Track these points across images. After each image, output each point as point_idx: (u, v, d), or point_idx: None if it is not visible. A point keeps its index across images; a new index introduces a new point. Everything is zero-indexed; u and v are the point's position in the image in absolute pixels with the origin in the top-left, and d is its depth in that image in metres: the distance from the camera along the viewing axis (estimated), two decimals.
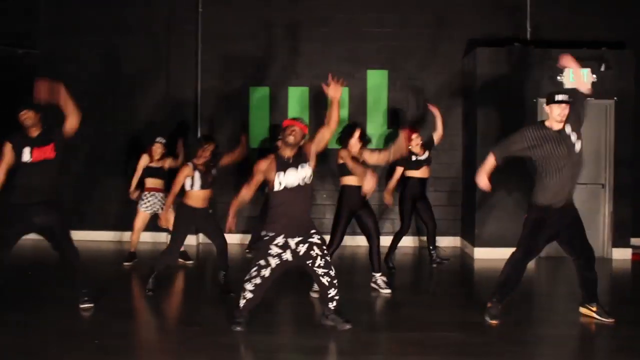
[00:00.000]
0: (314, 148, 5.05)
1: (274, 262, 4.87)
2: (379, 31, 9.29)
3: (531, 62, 8.30)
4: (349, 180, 6.24)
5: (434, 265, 7.81)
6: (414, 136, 7.54)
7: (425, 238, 8.26)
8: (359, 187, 6.09)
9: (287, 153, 5.01)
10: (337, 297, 5.04)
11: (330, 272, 4.99)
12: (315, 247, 4.95)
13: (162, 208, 7.72)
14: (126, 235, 8.92)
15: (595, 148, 8.37)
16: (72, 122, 5.42)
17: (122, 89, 9.42)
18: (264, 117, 9.36)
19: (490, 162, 5.42)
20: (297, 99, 9.33)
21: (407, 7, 9.29)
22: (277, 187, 4.94)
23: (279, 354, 4.67)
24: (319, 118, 9.11)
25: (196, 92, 9.37)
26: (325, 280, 4.98)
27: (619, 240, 8.31)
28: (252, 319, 5.10)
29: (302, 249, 4.93)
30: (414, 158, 7.59)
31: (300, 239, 4.93)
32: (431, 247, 7.89)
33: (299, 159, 4.99)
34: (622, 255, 8.28)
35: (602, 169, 8.40)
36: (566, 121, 5.18)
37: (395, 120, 9.26)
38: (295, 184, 4.93)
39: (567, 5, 9.14)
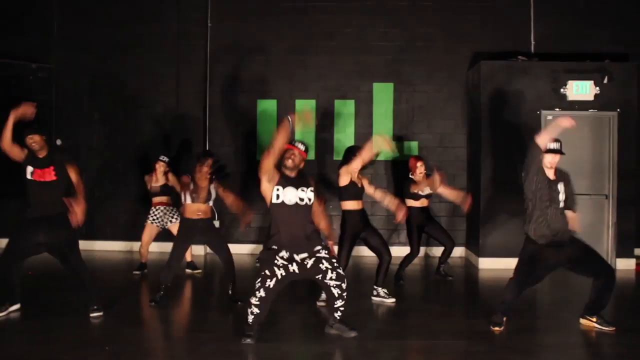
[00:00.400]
0: (316, 193, 5.19)
1: (279, 272, 4.88)
2: (385, 45, 9.45)
3: (535, 74, 8.42)
4: (349, 205, 6.32)
5: (437, 275, 7.88)
6: (418, 164, 7.41)
7: (434, 249, 8.35)
8: (360, 211, 6.31)
9: (289, 173, 5.13)
10: (342, 308, 5.12)
11: (342, 285, 5.03)
12: (324, 261, 5.00)
13: (170, 221, 7.89)
14: (135, 245, 9.10)
15: (599, 159, 8.47)
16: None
17: (132, 103, 9.60)
18: (271, 129, 9.49)
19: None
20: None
21: (412, 22, 9.45)
22: (274, 199, 5.04)
23: None
24: (325, 130, 9.28)
25: (204, 105, 9.54)
26: (336, 292, 5.04)
27: (623, 250, 8.37)
28: (260, 327, 5.23)
29: (310, 262, 4.98)
30: (414, 190, 7.47)
31: (305, 255, 5.00)
32: (441, 261, 7.83)
33: (301, 182, 5.10)
34: (625, 265, 8.34)
35: (605, 180, 8.48)
36: (559, 177, 5.44)
37: (401, 132, 9.39)
38: (292, 201, 5.03)
39: (570, 18, 9.27)
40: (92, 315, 5.65)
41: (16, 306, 5.74)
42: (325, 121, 9.44)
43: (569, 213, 5.48)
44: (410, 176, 7.50)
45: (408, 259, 7.57)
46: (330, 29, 9.51)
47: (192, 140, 9.35)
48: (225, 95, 9.55)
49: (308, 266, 4.97)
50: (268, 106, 9.53)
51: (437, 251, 9.11)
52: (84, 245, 5.81)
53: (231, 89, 9.56)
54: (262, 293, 4.86)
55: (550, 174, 5.43)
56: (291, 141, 5.19)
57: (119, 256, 9.15)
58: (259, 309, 4.90)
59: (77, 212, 5.59)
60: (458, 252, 9.33)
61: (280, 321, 5.66)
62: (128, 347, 4.91)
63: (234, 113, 9.55)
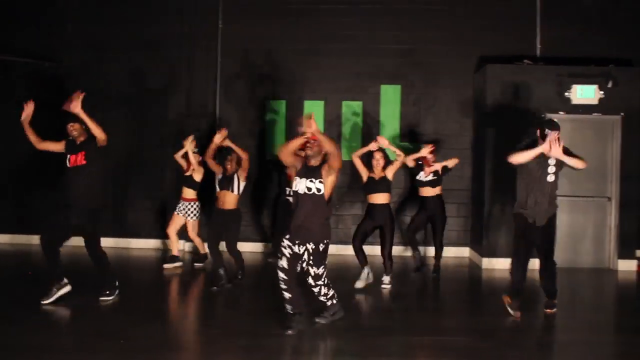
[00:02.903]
0: (327, 174, 5.37)
1: (287, 252, 5.31)
2: (393, 47, 9.59)
3: (540, 78, 8.56)
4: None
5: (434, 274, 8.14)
6: (430, 147, 7.83)
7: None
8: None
9: (311, 162, 5.41)
10: (324, 299, 5.42)
11: (311, 281, 5.33)
12: (305, 254, 5.30)
13: (194, 216, 8.19)
14: (136, 243, 9.38)
15: (602, 162, 8.59)
16: (96, 133, 6.02)
17: (144, 103, 9.77)
18: (280, 129, 9.68)
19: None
20: (312, 112, 9.60)
21: (420, 26, 9.58)
22: (293, 187, 5.44)
23: (293, 356, 4.94)
24: (333, 131, 9.45)
25: (215, 105, 9.71)
26: (310, 280, 5.35)
27: (625, 252, 8.51)
28: (265, 323, 5.42)
29: (301, 250, 5.31)
30: (419, 176, 7.94)
31: (298, 242, 5.31)
32: (436, 262, 8.12)
33: (312, 173, 5.34)
34: (627, 266, 8.47)
35: (608, 183, 8.61)
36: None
37: (408, 134, 9.55)
38: (302, 190, 5.34)
39: (576, 23, 9.37)
40: (101, 299, 6.08)
41: (66, 289, 6.08)
42: (334, 123, 9.60)
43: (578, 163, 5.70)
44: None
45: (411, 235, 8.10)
46: (339, 31, 9.65)
47: (201, 140, 9.50)
48: (235, 95, 9.71)
49: (300, 252, 5.31)
50: (277, 106, 9.69)
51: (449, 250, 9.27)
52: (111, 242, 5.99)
53: (241, 90, 9.72)
54: (282, 274, 5.27)
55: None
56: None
57: (138, 253, 9.30)
58: (289, 293, 5.28)
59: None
60: (462, 252, 9.51)
61: (285, 316, 5.81)
62: (144, 340, 5.06)
63: (244, 113, 9.71)
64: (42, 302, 5.90)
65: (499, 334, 5.47)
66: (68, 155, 6.10)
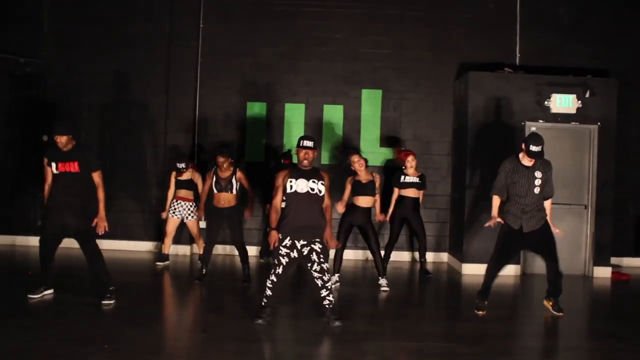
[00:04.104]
0: (326, 187, 5.68)
1: (284, 261, 5.56)
2: (374, 52, 9.63)
3: (520, 86, 8.68)
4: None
5: (421, 272, 8.33)
6: (409, 158, 8.04)
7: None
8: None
9: (304, 164, 5.65)
10: (329, 298, 5.65)
11: (324, 277, 5.61)
12: (314, 254, 5.58)
13: (189, 216, 8.36)
14: (124, 245, 9.25)
15: (579, 170, 8.75)
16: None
17: (121, 101, 9.63)
18: (260, 131, 9.61)
19: (497, 202, 6.32)
20: (293, 115, 9.61)
21: (402, 31, 9.64)
22: (288, 190, 5.58)
23: None
24: (314, 134, 9.42)
25: (195, 106, 9.60)
26: (319, 282, 5.64)
27: (600, 259, 8.67)
28: (254, 328, 5.38)
29: (306, 250, 5.57)
30: (402, 178, 8.07)
31: (304, 242, 5.57)
32: (421, 257, 8.37)
33: (312, 175, 5.60)
34: (602, 273, 8.64)
35: (585, 191, 8.76)
36: (537, 166, 6.07)
37: (388, 139, 9.58)
38: (304, 190, 5.55)
39: (555, 34, 9.55)
40: (103, 302, 6.03)
41: (50, 291, 6.25)
42: (314, 126, 9.59)
43: (546, 202, 6.17)
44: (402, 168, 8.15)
45: (388, 248, 8.25)
46: (320, 35, 9.66)
47: (180, 140, 9.40)
48: (215, 96, 9.62)
49: (304, 253, 5.57)
50: (258, 109, 9.63)
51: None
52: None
53: (221, 91, 9.63)
54: (273, 278, 5.59)
55: (529, 162, 6.03)
56: (299, 143, 5.69)
57: (128, 255, 9.10)
58: (271, 292, 5.60)
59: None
60: (442, 257, 9.58)
61: (274, 321, 5.77)
62: (129, 345, 4.98)
63: (223, 114, 9.63)
64: (30, 297, 6.09)
65: (484, 339, 5.50)
66: (55, 163, 6.01)
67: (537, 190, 6.05)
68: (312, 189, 5.56)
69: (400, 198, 8.10)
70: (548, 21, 9.58)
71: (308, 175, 5.60)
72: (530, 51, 9.50)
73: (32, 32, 9.67)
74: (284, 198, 5.68)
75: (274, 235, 5.56)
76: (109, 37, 9.60)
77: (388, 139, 9.60)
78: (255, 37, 9.64)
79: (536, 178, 6.04)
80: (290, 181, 5.58)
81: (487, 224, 6.31)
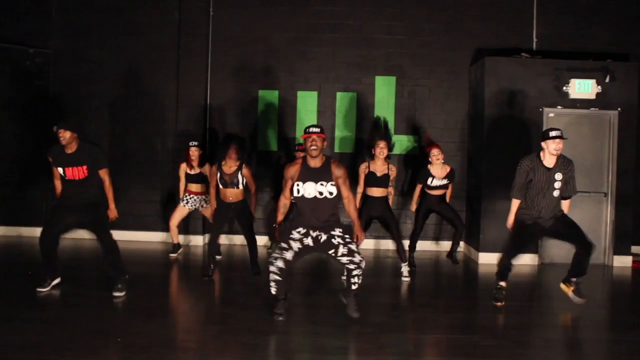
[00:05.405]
0: (341, 182, 5.32)
1: (295, 245, 5.23)
2: (388, 38, 9.43)
3: (538, 71, 8.47)
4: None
5: (448, 258, 8.22)
6: (435, 152, 7.67)
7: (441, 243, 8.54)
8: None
9: (312, 163, 5.28)
10: (358, 282, 5.30)
11: (354, 258, 5.21)
12: (336, 237, 5.23)
13: (202, 206, 8.27)
14: (124, 235, 9.15)
15: (599, 157, 8.55)
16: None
17: (131, 90, 9.51)
18: (272, 120, 9.48)
19: (516, 206, 6.09)
20: (305, 103, 9.46)
21: (415, 16, 9.43)
22: (295, 194, 5.27)
23: (300, 354, 4.80)
24: (327, 122, 9.29)
25: (205, 94, 9.47)
26: (351, 266, 5.23)
27: (620, 248, 8.49)
28: (269, 320, 5.27)
29: (323, 237, 5.24)
30: (430, 181, 7.72)
31: (320, 232, 5.26)
32: (454, 244, 8.10)
33: (321, 175, 5.24)
34: (622, 262, 8.46)
35: (604, 178, 8.57)
36: (559, 166, 5.84)
37: (402, 126, 9.42)
38: (312, 195, 5.22)
39: (573, 17, 9.31)
40: (114, 294, 5.95)
41: (57, 280, 6.17)
42: (327, 114, 9.44)
43: (564, 202, 5.98)
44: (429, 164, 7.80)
45: (413, 237, 8.02)
46: (333, 21, 9.47)
47: (191, 128, 9.27)
48: (226, 84, 9.49)
49: (321, 241, 5.23)
50: (269, 96, 9.49)
51: (444, 244, 9.28)
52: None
53: (232, 79, 9.49)
54: (280, 264, 5.17)
55: (550, 162, 5.79)
56: (305, 130, 5.36)
57: (139, 246, 8.95)
58: (280, 277, 5.20)
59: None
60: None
61: (293, 313, 5.65)
62: (142, 338, 4.88)
63: (234, 102, 9.49)
64: (38, 290, 6.01)
65: (506, 331, 5.38)
66: (62, 169, 5.91)
67: (556, 193, 5.87)
68: (321, 193, 5.23)
69: (424, 193, 7.85)
70: (566, 4, 9.33)
71: (317, 176, 5.25)
72: (547, 35, 9.28)
73: (40, 21, 9.56)
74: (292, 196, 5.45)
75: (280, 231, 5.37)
76: (117, 25, 9.48)
77: (403, 126, 9.43)
78: (266, 24, 9.47)
79: (556, 180, 5.82)
80: (297, 184, 5.26)
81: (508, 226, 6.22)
